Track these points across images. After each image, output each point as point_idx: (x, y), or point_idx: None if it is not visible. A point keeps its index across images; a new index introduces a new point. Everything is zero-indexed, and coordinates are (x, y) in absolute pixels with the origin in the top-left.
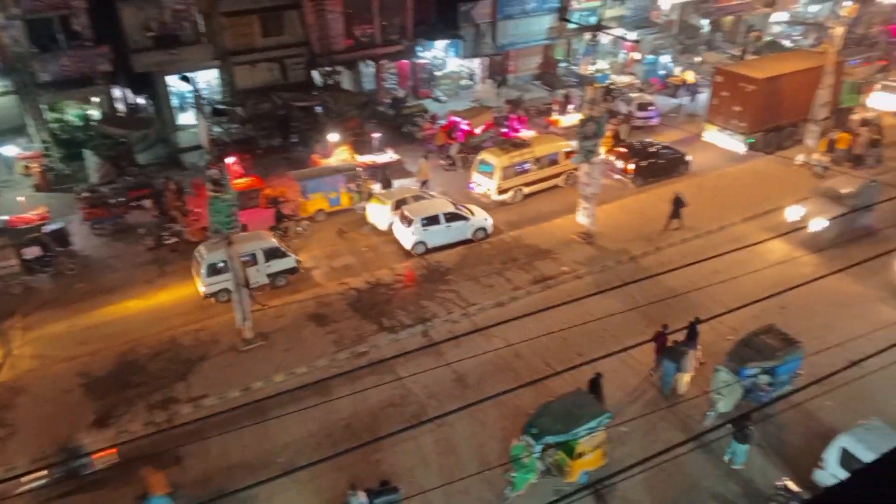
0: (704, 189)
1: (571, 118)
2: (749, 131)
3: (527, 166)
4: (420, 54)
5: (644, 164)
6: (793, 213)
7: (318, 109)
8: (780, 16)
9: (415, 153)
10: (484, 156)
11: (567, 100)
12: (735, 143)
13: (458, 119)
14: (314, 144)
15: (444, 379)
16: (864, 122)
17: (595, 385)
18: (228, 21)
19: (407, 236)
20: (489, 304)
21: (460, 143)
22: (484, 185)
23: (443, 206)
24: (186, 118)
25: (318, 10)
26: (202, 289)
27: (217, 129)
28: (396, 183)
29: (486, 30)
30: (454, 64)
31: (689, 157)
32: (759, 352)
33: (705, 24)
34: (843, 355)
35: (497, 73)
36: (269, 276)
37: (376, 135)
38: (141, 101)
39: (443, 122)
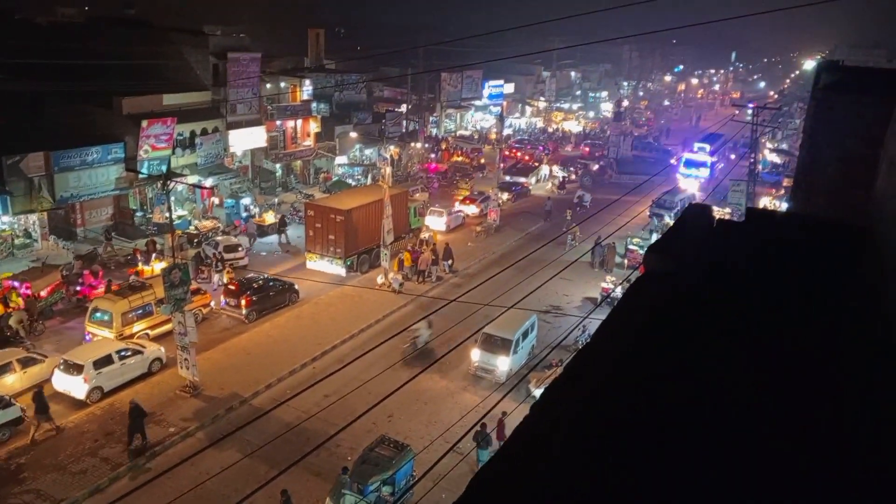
0: (304, 317)
1: (157, 266)
2: (345, 255)
3: (150, 308)
4: None
5: (256, 297)
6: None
7: None
8: (341, 159)
9: None
10: (97, 303)
11: (150, 248)
12: (336, 268)
13: (15, 283)
14: None
15: None
16: (423, 242)
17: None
18: None
19: (78, 385)
20: (83, 496)
21: (23, 310)
22: (100, 335)
23: (112, 344)
24: None
25: None
26: None
27: None
28: None
29: (41, 183)
30: (2, 222)
31: (297, 286)
32: (376, 465)
33: (278, 168)
34: (444, 448)
35: (63, 227)
36: None
37: None
38: None
39: None
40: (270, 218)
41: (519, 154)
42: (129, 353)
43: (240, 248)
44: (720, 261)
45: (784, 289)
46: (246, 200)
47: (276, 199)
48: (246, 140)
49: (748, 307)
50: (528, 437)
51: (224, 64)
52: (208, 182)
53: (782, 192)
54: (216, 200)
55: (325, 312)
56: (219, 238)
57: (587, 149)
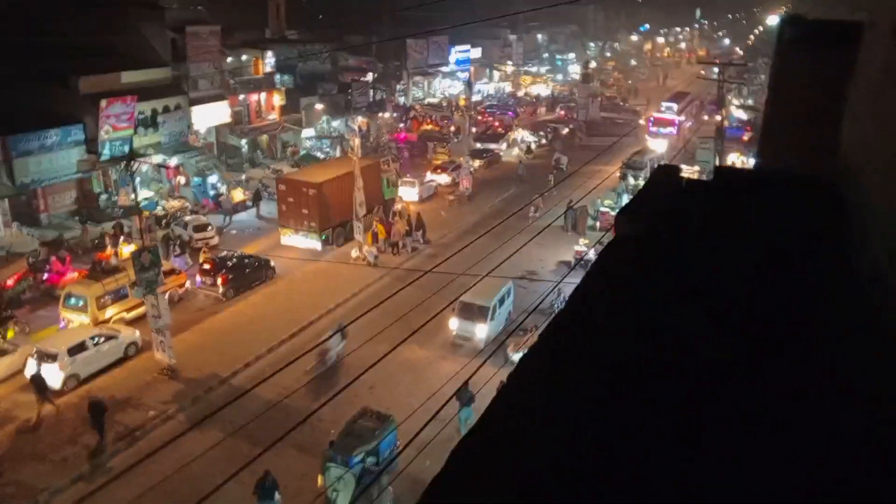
0: (280, 294)
1: (126, 249)
2: (320, 229)
3: (125, 292)
4: None
5: (232, 275)
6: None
7: None
8: (308, 132)
9: None
10: (70, 289)
11: (118, 231)
12: (311, 242)
13: None
14: None
15: None
16: (395, 214)
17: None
18: None
19: (54, 373)
20: (66, 483)
21: None
22: (76, 320)
23: (85, 330)
24: None
25: None
26: None
27: None
28: None
29: None
30: None
31: (273, 262)
32: (359, 437)
33: (243, 143)
34: (426, 416)
35: (27, 213)
36: None
37: None
38: None
39: None
40: (239, 195)
41: (490, 119)
42: (104, 339)
43: (209, 228)
44: (689, 222)
45: (753, 248)
46: (213, 178)
47: (244, 176)
48: (209, 116)
49: (718, 269)
50: (507, 409)
51: (182, 38)
52: (173, 161)
53: (746, 145)
54: (182, 179)
55: (301, 288)
56: (187, 218)
57: (563, 112)
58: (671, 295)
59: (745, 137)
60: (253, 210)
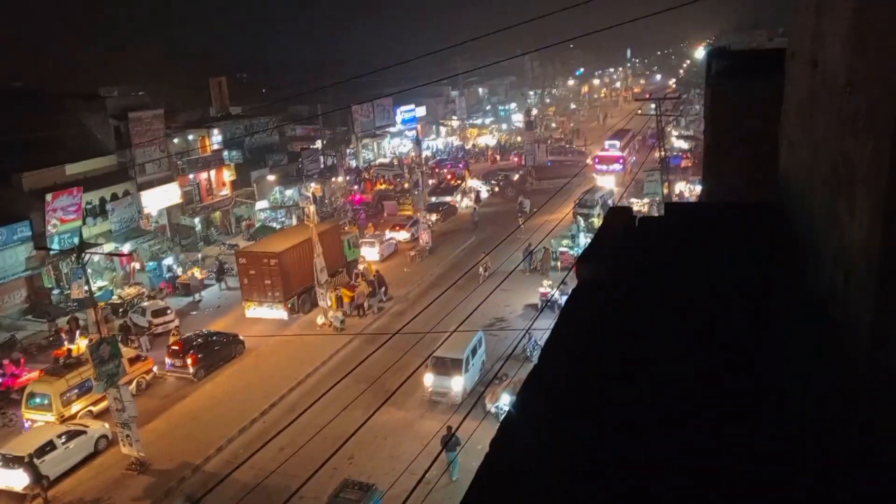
0: (247, 371)
1: (84, 343)
2: (285, 298)
3: (90, 384)
4: None
5: (201, 354)
6: None
7: None
8: (262, 204)
9: None
10: (33, 388)
11: (73, 326)
12: (277, 312)
13: None
14: None
15: None
16: (357, 275)
17: None
18: None
19: (19, 478)
20: None
21: None
22: (41, 420)
23: (52, 429)
24: None
25: None
26: None
27: None
28: None
29: None
30: None
31: (241, 337)
32: None
33: (197, 222)
34: (413, 477)
35: None
36: None
37: None
38: None
39: None
40: (198, 273)
41: (445, 172)
42: (72, 436)
43: (169, 311)
44: (647, 262)
45: (711, 281)
46: (168, 260)
47: (200, 255)
48: (160, 199)
49: (682, 304)
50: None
51: (126, 124)
52: (126, 248)
53: (685, 171)
54: (137, 265)
55: (270, 362)
56: (145, 303)
57: (517, 158)
58: (642, 333)
59: (683, 164)
60: (216, 287)
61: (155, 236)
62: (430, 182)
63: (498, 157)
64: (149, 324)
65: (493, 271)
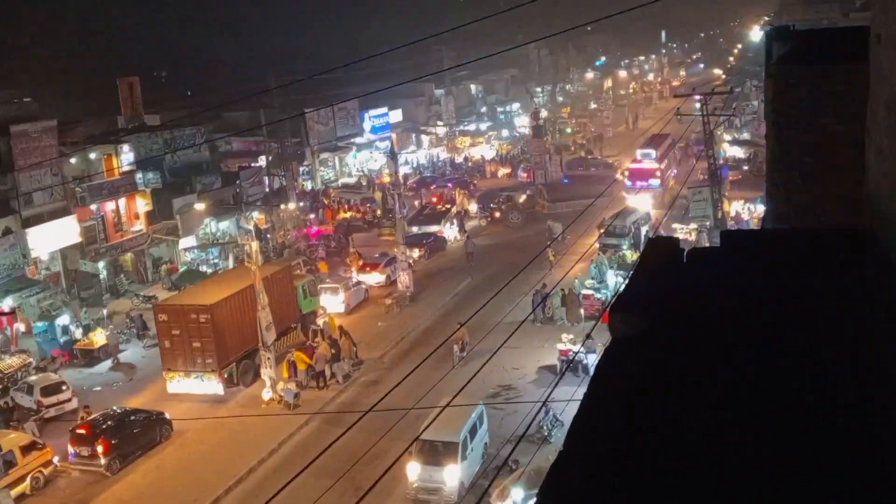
0: (167, 465)
1: None
2: (219, 366)
3: None
4: None
5: (115, 440)
6: None
7: None
8: (188, 241)
9: None
10: None
11: None
12: (210, 385)
13: None
14: None
15: None
16: (316, 333)
17: None
18: None
19: None
20: None
21: None
22: None
23: None
24: None
25: None
26: None
27: None
28: None
29: None
30: None
31: (167, 415)
32: None
33: (101, 267)
34: None
35: None
36: None
37: None
38: None
39: None
40: (101, 338)
41: (431, 192)
42: None
43: (64, 387)
44: (698, 309)
45: (781, 336)
46: (63, 319)
47: (105, 311)
48: (52, 238)
49: (747, 369)
50: None
51: (7, 141)
52: (6, 304)
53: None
54: (21, 327)
55: (201, 451)
56: (32, 378)
57: (526, 174)
58: (698, 412)
59: (730, 177)
60: (132, 349)
61: (45, 288)
62: (413, 205)
63: (507, 173)
64: (37, 404)
65: (473, 349)
